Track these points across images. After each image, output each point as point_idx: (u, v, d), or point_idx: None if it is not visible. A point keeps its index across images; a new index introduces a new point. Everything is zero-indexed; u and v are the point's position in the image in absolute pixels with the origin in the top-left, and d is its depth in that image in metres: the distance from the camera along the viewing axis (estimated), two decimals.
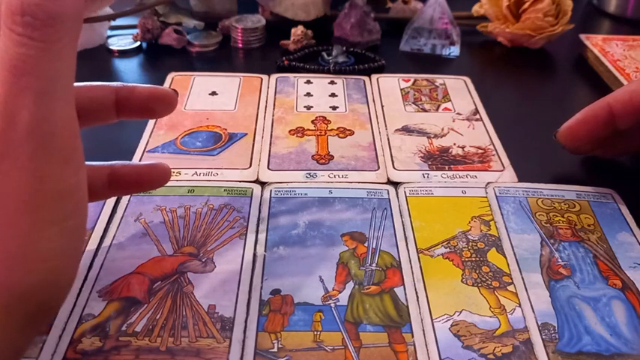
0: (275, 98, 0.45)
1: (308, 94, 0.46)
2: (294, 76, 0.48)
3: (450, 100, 0.46)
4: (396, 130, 0.42)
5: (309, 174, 0.37)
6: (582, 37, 0.54)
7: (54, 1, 0.19)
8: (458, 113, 0.44)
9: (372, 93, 0.47)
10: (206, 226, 0.33)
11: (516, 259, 0.31)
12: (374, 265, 0.31)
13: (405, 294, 0.29)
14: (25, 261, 0.20)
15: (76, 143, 0.21)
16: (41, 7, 0.18)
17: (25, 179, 0.19)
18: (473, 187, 0.36)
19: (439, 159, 0.39)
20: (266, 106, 0.44)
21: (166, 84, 0.47)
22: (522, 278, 0.30)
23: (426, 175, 0.37)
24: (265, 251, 0.31)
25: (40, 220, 0.20)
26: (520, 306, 0.29)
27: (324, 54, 0.51)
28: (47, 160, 0.20)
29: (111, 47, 0.52)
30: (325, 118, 0.43)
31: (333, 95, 0.46)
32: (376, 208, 0.34)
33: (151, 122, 0.42)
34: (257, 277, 0.30)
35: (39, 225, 0.20)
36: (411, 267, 0.31)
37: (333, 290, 0.29)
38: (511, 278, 0.30)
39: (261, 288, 0.29)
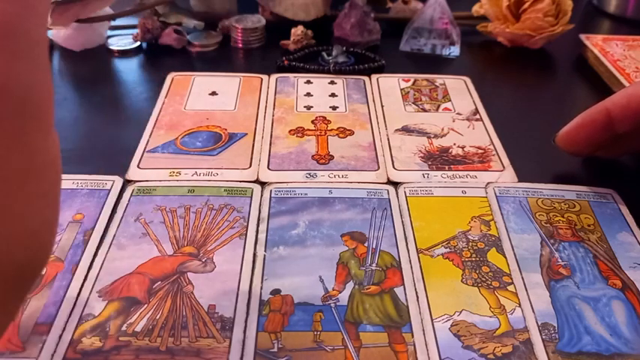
0: (275, 98, 0.45)
1: (308, 94, 0.46)
2: (294, 76, 0.48)
3: (450, 100, 0.46)
4: (396, 130, 0.42)
5: (309, 174, 0.37)
6: (582, 37, 0.54)
7: None
8: (458, 113, 0.44)
9: (372, 93, 0.46)
10: (206, 226, 0.33)
11: (516, 259, 0.31)
12: (374, 265, 0.31)
13: (405, 294, 0.29)
14: (20, 237, 0.19)
15: (53, 111, 0.20)
16: None
17: (19, 155, 0.18)
18: (473, 187, 0.36)
19: (439, 159, 0.39)
20: (266, 106, 0.44)
21: (166, 84, 0.47)
22: (522, 278, 0.30)
23: (426, 175, 0.37)
24: (265, 251, 0.31)
25: (32, 195, 0.19)
26: (520, 306, 0.29)
27: (324, 54, 0.51)
28: (37, 132, 0.18)
29: (111, 47, 0.52)
30: (325, 118, 0.43)
31: (333, 95, 0.46)
32: (376, 208, 0.34)
33: (151, 122, 0.42)
34: (257, 277, 0.30)
35: (31, 199, 0.19)
36: (411, 267, 0.31)
37: (333, 290, 0.29)
38: (511, 278, 0.30)
39: (261, 288, 0.29)
